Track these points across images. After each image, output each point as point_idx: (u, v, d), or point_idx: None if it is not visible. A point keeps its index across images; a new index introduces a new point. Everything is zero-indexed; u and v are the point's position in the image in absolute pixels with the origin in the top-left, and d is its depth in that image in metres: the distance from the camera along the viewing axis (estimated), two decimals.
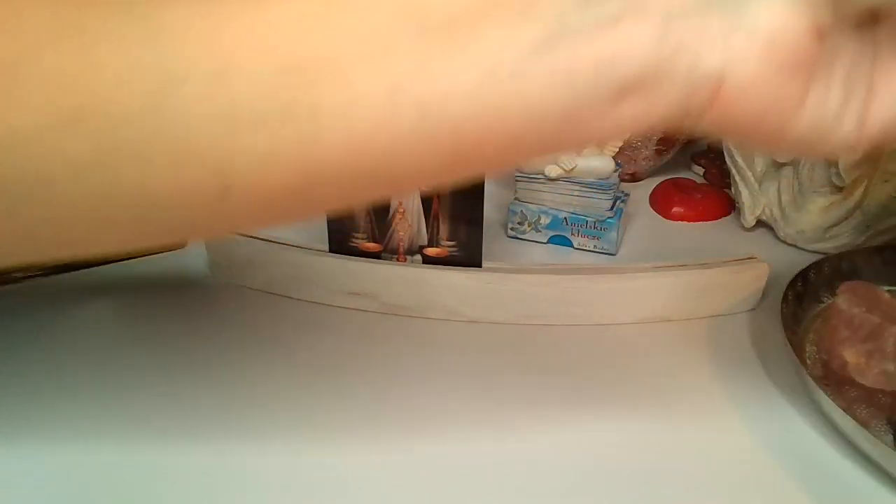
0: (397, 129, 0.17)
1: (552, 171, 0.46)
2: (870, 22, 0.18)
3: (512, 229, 0.50)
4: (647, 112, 0.18)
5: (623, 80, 0.17)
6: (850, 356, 0.35)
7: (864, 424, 0.29)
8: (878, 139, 0.19)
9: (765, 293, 0.41)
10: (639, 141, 0.56)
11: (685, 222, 0.53)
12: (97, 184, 0.17)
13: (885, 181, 0.44)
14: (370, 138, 0.17)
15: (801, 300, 0.39)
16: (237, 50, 0.17)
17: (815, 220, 0.46)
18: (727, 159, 0.50)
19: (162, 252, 0.46)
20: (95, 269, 0.45)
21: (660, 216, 0.54)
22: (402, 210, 0.39)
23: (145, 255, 0.46)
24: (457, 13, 0.16)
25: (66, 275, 0.44)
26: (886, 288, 0.39)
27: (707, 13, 0.17)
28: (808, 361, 0.36)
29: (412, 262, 0.41)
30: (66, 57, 0.16)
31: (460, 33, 0.16)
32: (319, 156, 0.17)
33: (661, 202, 0.55)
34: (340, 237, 0.41)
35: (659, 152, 0.57)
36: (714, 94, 0.17)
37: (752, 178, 0.49)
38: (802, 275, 0.40)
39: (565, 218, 0.48)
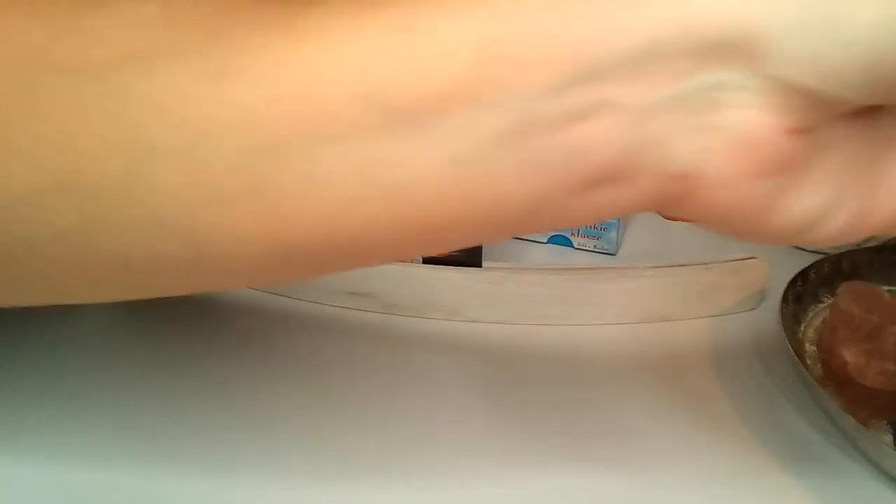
0: (364, 212, 0.17)
1: None
2: (870, 111, 0.17)
3: None
4: (618, 202, 0.17)
5: (591, 171, 0.17)
6: (850, 356, 0.35)
7: (864, 424, 0.29)
8: (884, 231, 0.19)
9: (765, 293, 0.41)
10: None
11: (685, 222, 0.53)
12: (76, 248, 0.18)
13: None
14: (338, 219, 0.17)
15: (801, 300, 0.39)
16: (209, 126, 0.17)
17: None
18: None
19: None
20: None
21: (660, 216, 0.54)
22: None
23: None
24: (420, 95, 0.16)
25: None
26: (886, 288, 0.39)
27: (678, 110, 0.16)
28: (808, 361, 0.36)
29: (412, 262, 0.41)
30: (47, 131, 0.17)
31: (423, 117, 0.16)
32: (288, 234, 0.18)
33: None
34: None
35: None
36: (685, 189, 0.17)
37: None
38: (802, 275, 0.39)
39: None
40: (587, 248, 0.48)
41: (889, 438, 0.31)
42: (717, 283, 0.40)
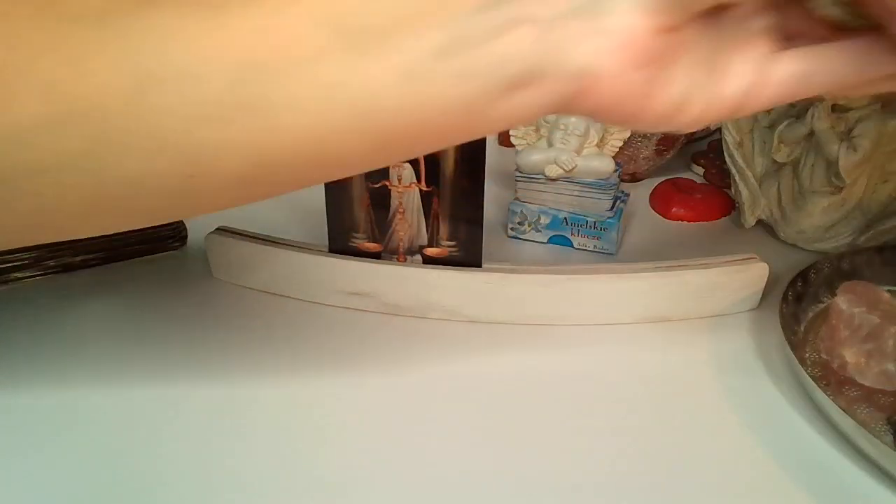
0: (332, 122, 0.20)
1: (552, 171, 0.46)
2: (716, 13, 0.22)
3: (512, 229, 0.50)
4: (533, 102, 0.21)
5: (511, 76, 0.20)
6: (850, 356, 0.35)
7: (864, 424, 0.29)
8: (733, 113, 0.23)
9: (765, 293, 0.41)
10: (639, 140, 0.56)
11: (685, 222, 0.53)
12: (85, 172, 0.21)
13: (885, 181, 0.44)
14: (310, 129, 0.21)
15: (801, 300, 0.39)
16: (202, 53, 0.19)
17: (815, 220, 0.46)
18: (727, 159, 0.50)
19: (162, 252, 0.47)
20: (95, 269, 0.45)
21: (660, 216, 0.54)
22: (402, 210, 0.39)
23: (146, 255, 0.46)
24: (372, 22, 0.20)
25: (66, 275, 0.44)
26: (886, 288, 0.39)
27: (574, 19, 0.20)
28: (808, 361, 0.36)
29: (412, 262, 0.41)
30: (58, 65, 0.19)
31: (376, 39, 0.20)
32: (270, 145, 0.21)
33: (661, 202, 0.55)
34: (340, 237, 0.41)
35: (659, 152, 0.57)
36: (583, 85, 0.21)
37: (752, 178, 0.49)
38: (802, 275, 0.40)
39: (565, 218, 0.48)
40: (587, 248, 0.48)
41: (889, 438, 0.31)
42: (717, 283, 0.40)
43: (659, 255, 0.43)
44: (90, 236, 0.25)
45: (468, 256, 0.40)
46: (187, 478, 0.30)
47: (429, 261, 0.41)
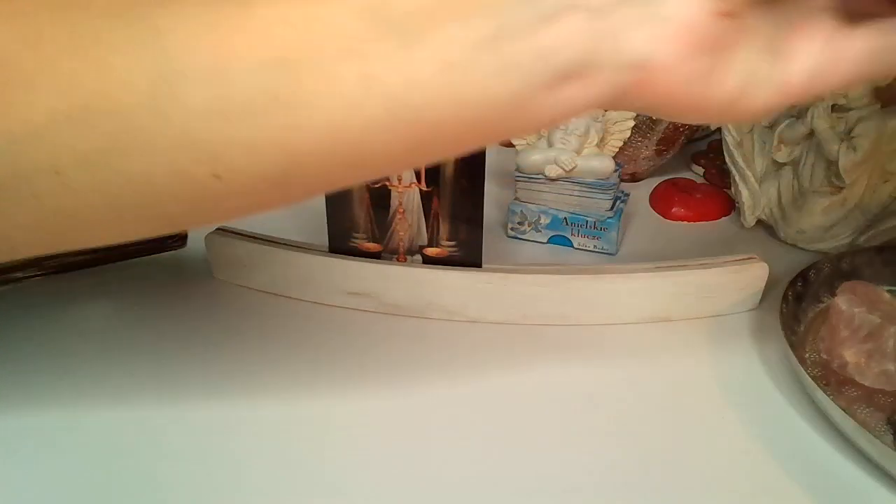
0: (367, 117, 0.19)
1: (552, 171, 0.46)
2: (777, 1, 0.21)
3: (512, 229, 0.50)
4: (584, 96, 0.20)
5: (559, 68, 0.19)
6: (850, 356, 0.35)
7: (864, 424, 0.29)
8: (803, 96, 0.21)
9: (765, 293, 0.41)
10: (639, 140, 0.56)
11: (685, 222, 0.53)
12: (103, 172, 0.20)
13: (885, 181, 0.44)
14: (344, 126, 0.19)
15: (801, 300, 0.39)
16: (229, 48, 0.18)
17: (815, 220, 0.46)
18: (727, 159, 0.50)
19: (162, 252, 0.47)
20: (95, 269, 0.45)
21: (660, 216, 0.54)
22: (402, 210, 0.39)
23: (146, 255, 0.46)
24: (413, 10, 0.18)
25: (66, 275, 0.44)
26: (886, 288, 0.39)
27: (626, 6, 0.19)
28: (808, 361, 0.36)
29: (412, 262, 0.41)
30: (79, 63, 0.19)
31: (418, 28, 0.18)
32: (300, 143, 0.20)
33: (661, 202, 0.55)
34: (340, 237, 0.41)
35: (659, 152, 0.57)
36: (638, 76, 0.20)
37: (752, 178, 0.49)
38: (802, 275, 0.40)
39: (565, 218, 0.48)
40: (587, 248, 0.48)
41: (889, 439, 0.31)
42: (717, 283, 0.40)
43: (659, 255, 0.43)
44: (109, 244, 0.23)
45: (468, 256, 0.40)
46: (187, 477, 0.30)
47: (429, 261, 0.41)
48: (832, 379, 0.35)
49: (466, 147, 0.22)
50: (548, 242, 0.49)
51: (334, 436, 0.32)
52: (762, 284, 0.41)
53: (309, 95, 0.19)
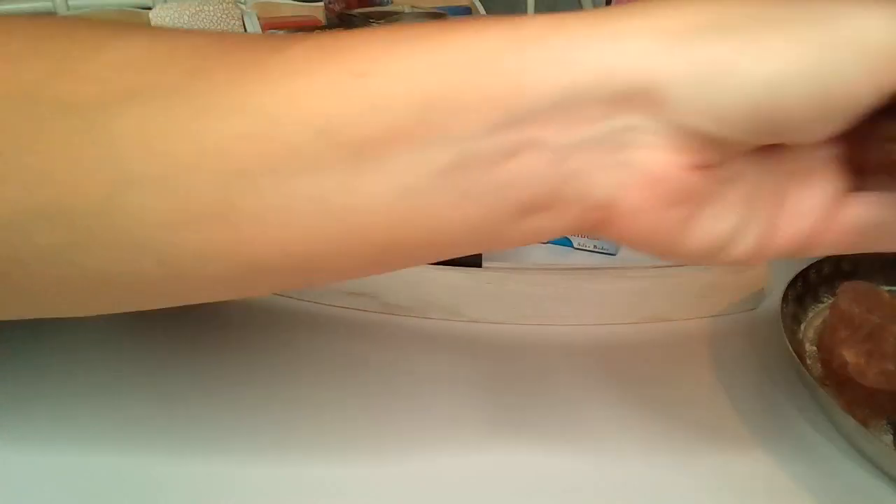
0: (319, 235, 0.19)
1: None
2: (774, 148, 0.19)
3: None
4: (551, 226, 0.20)
5: (521, 202, 0.19)
6: (850, 356, 0.34)
7: (864, 424, 0.29)
8: (785, 257, 0.20)
9: (765, 293, 0.41)
10: None
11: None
12: (61, 266, 0.20)
13: None
14: (297, 242, 0.19)
15: (801, 300, 0.39)
16: (183, 159, 0.18)
17: None
18: None
19: None
20: None
21: None
22: None
23: None
24: (371, 135, 0.18)
25: None
26: (886, 288, 0.39)
27: (594, 149, 0.18)
28: (808, 361, 0.36)
29: None
30: (43, 157, 0.19)
31: (375, 153, 0.18)
32: (250, 254, 0.20)
33: None
34: None
35: None
36: (605, 216, 0.19)
37: None
38: (802, 275, 0.39)
39: None
40: (587, 248, 0.48)
41: (889, 438, 0.31)
42: (717, 283, 0.40)
43: None
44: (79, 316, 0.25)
45: (468, 256, 0.40)
46: (187, 476, 0.30)
47: None
48: (832, 379, 0.35)
49: (420, 262, 0.22)
50: (548, 242, 0.49)
51: (334, 435, 0.32)
52: (762, 284, 0.41)
53: (263, 209, 0.19)
